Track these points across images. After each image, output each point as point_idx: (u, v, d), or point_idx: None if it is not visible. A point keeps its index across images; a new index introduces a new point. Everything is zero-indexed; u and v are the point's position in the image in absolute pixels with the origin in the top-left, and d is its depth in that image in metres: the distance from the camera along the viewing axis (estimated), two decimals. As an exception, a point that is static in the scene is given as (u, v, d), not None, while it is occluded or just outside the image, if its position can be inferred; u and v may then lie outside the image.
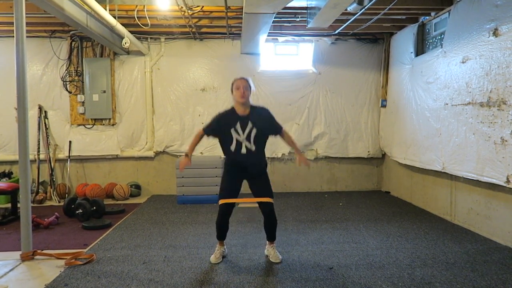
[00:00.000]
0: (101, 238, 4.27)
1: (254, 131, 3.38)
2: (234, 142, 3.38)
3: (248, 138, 3.37)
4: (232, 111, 3.45)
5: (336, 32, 6.04)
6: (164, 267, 3.40)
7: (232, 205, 3.48)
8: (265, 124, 3.45)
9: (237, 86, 3.37)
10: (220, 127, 3.44)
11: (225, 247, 3.67)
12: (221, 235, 3.57)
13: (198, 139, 3.53)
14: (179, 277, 3.19)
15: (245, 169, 3.44)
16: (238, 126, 3.38)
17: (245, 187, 3.55)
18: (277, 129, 3.53)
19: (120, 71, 6.70)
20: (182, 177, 5.97)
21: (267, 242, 3.62)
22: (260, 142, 3.44)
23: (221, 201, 3.43)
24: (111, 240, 4.18)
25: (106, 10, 4.85)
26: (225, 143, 3.46)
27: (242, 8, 4.79)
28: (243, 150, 3.37)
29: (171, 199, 6.30)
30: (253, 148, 3.38)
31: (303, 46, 6.91)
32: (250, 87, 3.40)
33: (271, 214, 3.43)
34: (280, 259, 3.52)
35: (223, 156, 3.63)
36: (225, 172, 3.55)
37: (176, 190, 6.15)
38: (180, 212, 5.46)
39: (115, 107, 6.70)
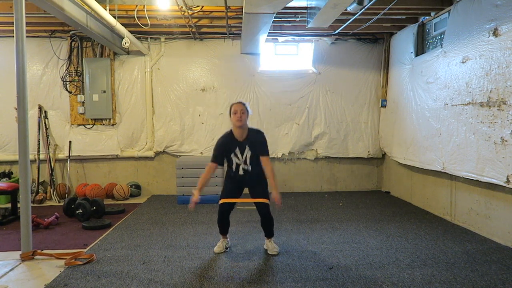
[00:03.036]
0: (101, 238, 4.27)
1: (249, 154, 3.58)
2: (234, 164, 3.63)
3: (245, 161, 3.61)
4: (231, 136, 3.60)
5: (336, 32, 6.04)
6: (164, 267, 3.40)
7: (231, 204, 3.70)
8: (257, 145, 3.60)
9: (235, 111, 3.52)
10: (224, 152, 3.61)
11: (228, 239, 3.88)
12: (223, 231, 3.81)
13: (210, 173, 3.59)
14: (179, 277, 3.19)
15: (244, 183, 3.74)
16: (237, 150, 3.58)
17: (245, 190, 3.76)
18: (263, 152, 3.59)
19: (120, 71, 6.70)
20: (182, 177, 5.97)
21: (266, 238, 3.82)
22: (255, 161, 3.61)
23: (221, 201, 3.65)
24: (111, 240, 4.18)
25: (106, 10, 4.85)
26: (227, 163, 3.69)
27: (242, 8, 4.80)
28: (241, 172, 3.63)
29: (171, 199, 6.30)
30: (250, 168, 3.61)
31: (303, 46, 6.91)
32: (247, 111, 3.56)
33: (267, 214, 3.63)
34: (278, 250, 3.73)
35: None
36: (226, 181, 3.79)
37: (176, 190, 6.15)
38: (180, 212, 5.45)
39: (115, 107, 6.70)
